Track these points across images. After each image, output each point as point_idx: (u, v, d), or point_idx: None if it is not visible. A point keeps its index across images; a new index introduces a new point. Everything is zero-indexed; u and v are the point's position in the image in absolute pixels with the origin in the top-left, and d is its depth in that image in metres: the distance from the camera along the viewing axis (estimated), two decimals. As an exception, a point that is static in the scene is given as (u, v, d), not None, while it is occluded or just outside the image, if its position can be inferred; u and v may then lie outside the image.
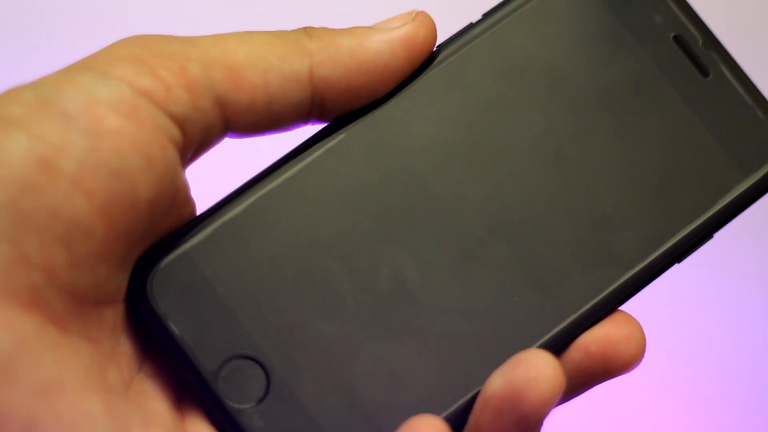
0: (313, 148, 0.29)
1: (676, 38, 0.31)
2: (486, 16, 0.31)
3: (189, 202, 0.30)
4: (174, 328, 0.28)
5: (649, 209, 0.30)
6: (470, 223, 0.29)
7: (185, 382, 0.28)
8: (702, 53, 0.31)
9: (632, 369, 0.29)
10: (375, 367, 0.28)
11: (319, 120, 0.31)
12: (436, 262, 0.29)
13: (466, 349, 0.29)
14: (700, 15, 0.32)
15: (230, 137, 0.30)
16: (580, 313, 0.29)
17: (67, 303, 0.27)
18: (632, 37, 0.31)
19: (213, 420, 0.28)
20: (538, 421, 0.28)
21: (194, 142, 0.29)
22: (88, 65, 0.28)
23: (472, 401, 0.29)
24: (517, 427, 0.28)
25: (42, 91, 0.27)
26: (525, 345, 0.29)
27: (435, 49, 0.31)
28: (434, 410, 0.28)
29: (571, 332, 0.29)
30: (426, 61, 0.30)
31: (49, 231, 0.26)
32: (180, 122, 0.28)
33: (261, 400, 0.28)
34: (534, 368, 0.27)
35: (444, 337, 0.29)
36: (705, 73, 0.31)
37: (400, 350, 0.28)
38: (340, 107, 0.30)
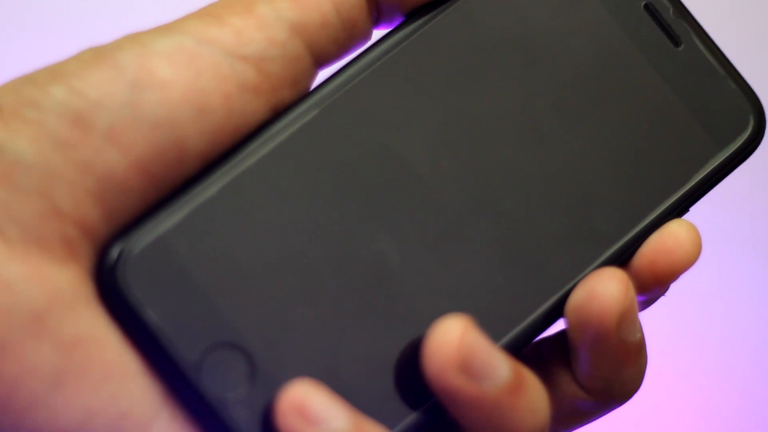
0: (288, 124, 0.29)
1: (646, 7, 0.31)
2: None
3: None
4: (152, 317, 0.26)
5: (625, 184, 0.30)
6: (451, 202, 0.29)
7: (162, 374, 0.27)
8: (673, 22, 0.31)
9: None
10: (359, 351, 0.28)
11: (388, 19, 0.31)
12: (418, 243, 0.29)
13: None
14: None
15: (321, 68, 0.30)
16: (562, 293, 0.29)
17: None
18: (603, 6, 0.31)
19: (194, 412, 0.27)
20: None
21: (282, 80, 0.28)
22: (159, 27, 0.28)
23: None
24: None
25: (103, 48, 0.27)
26: (509, 326, 0.29)
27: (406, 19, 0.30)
28: (419, 395, 0.28)
29: (555, 313, 0.29)
30: (399, 34, 0.30)
31: (81, 185, 0.26)
32: (257, 63, 0.28)
33: (246, 390, 0.27)
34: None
35: (428, 320, 0.28)
36: (677, 42, 0.31)
37: (384, 333, 0.28)
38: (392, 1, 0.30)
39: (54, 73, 0.27)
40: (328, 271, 0.28)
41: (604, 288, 0.29)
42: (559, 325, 0.31)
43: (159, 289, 0.27)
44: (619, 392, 0.31)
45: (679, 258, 0.30)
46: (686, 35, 0.31)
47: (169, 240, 0.27)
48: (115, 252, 0.27)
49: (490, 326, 0.29)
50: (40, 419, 0.25)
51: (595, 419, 0.32)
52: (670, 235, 0.30)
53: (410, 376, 0.28)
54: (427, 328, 0.28)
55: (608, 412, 0.32)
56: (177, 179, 0.27)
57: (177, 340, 0.27)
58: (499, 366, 0.27)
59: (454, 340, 0.27)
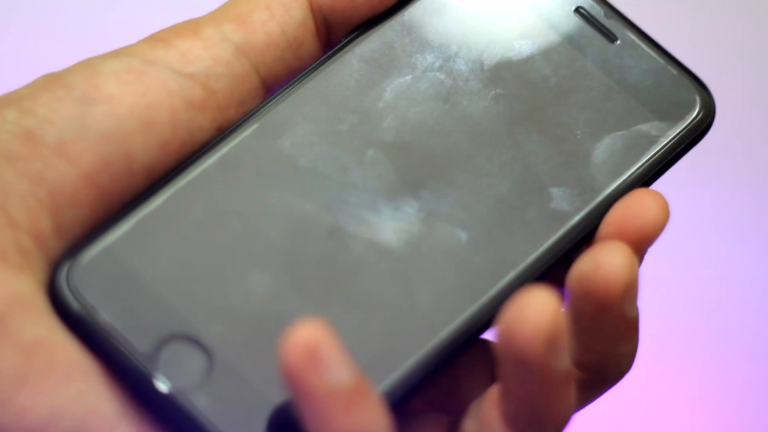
0: (223, 144, 0.29)
1: (577, 11, 0.32)
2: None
3: None
4: (102, 317, 0.27)
5: (580, 174, 0.31)
6: (408, 184, 0.30)
7: (123, 378, 0.27)
8: (606, 21, 0.32)
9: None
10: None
11: (335, 39, 0.31)
12: (370, 223, 0.29)
13: (407, 315, 0.29)
14: None
15: (272, 88, 0.31)
16: (520, 270, 0.29)
17: None
18: (535, 15, 0.32)
19: (152, 409, 0.27)
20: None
21: (228, 98, 0.30)
22: (109, 52, 0.29)
23: (412, 370, 0.28)
24: None
25: (56, 73, 0.28)
26: (466, 306, 0.29)
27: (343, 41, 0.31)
28: (376, 379, 0.28)
29: (512, 290, 0.29)
30: (332, 50, 0.31)
31: (33, 196, 0.27)
32: (203, 80, 0.29)
33: (203, 380, 0.27)
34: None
35: (383, 305, 0.29)
36: (612, 39, 0.32)
37: (337, 318, 0.28)
38: (341, 17, 0.31)
39: (8, 98, 0.28)
40: (276, 261, 0.29)
41: (610, 258, 0.28)
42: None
43: (108, 294, 0.27)
44: (613, 370, 0.30)
45: (647, 222, 0.30)
46: (620, 31, 0.32)
47: (113, 249, 0.28)
48: (63, 270, 0.27)
49: (445, 315, 0.29)
50: (5, 418, 0.25)
51: (588, 403, 0.31)
52: (636, 202, 0.30)
53: (364, 364, 0.28)
54: (378, 314, 0.28)
55: (600, 394, 0.31)
56: (125, 191, 0.28)
57: (130, 337, 0.27)
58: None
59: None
